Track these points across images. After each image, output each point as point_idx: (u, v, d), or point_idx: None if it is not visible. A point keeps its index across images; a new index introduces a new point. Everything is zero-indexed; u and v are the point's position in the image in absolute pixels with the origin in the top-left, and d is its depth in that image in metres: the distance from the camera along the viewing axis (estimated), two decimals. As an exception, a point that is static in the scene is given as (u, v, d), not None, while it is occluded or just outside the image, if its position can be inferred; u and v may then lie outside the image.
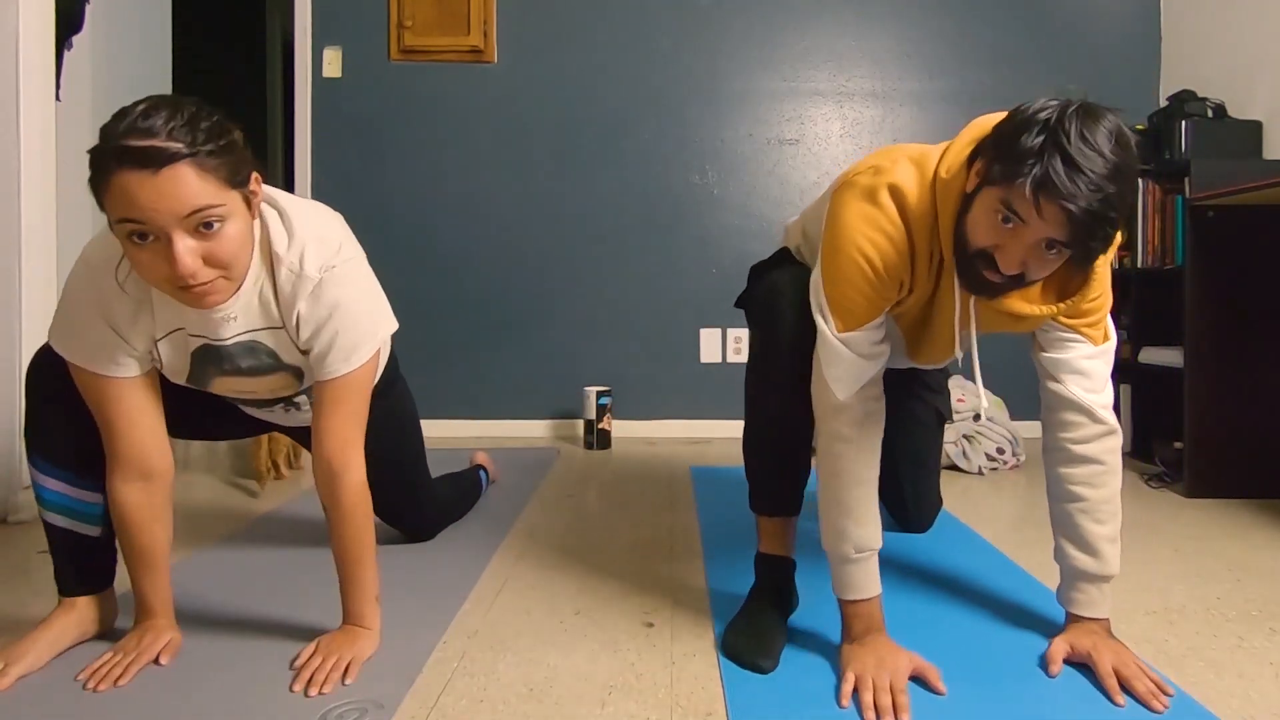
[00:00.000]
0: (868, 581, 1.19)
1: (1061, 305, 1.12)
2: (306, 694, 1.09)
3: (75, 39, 2.73)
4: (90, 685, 1.11)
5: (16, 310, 1.95)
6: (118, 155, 0.93)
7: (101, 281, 1.11)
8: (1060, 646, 1.20)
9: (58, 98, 2.25)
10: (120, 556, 1.27)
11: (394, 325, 1.26)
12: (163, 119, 0.94)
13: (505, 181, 3.24)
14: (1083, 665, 1.17)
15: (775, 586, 1.34)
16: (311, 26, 3.21)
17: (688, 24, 3.22)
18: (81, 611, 1.24)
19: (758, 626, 1.26)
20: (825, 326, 1.17)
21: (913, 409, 1.75)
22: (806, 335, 1.22)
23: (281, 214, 1.15)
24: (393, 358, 1.62)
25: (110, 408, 1.15)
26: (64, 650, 1.21)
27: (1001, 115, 1.06)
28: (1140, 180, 0.99)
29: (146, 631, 1.21)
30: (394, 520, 1.72)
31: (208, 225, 0.98)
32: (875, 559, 1.20)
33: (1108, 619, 1.22)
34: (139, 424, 1.17)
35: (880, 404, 1.21)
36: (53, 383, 1.19)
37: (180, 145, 0.94)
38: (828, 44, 3.23)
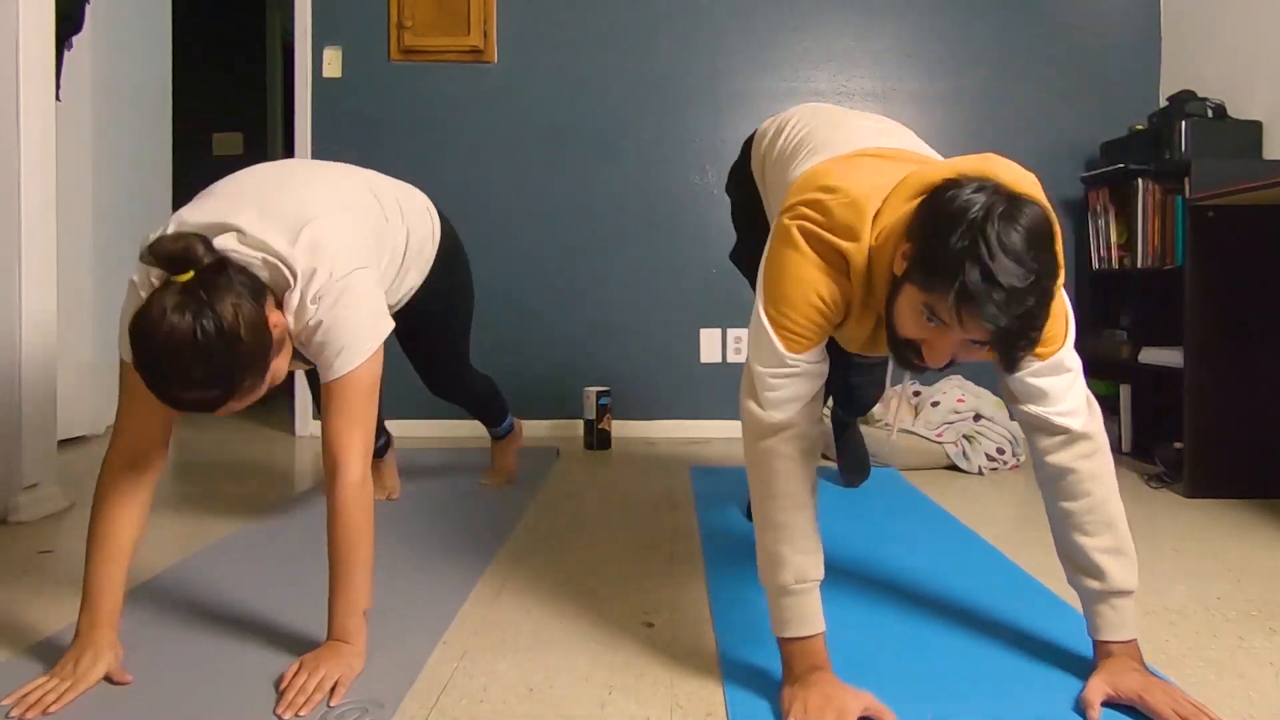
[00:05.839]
0: (809, 616, 1.08)
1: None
2: (286, 717, 1.02)
3: (75, 39, 2.73)
4: (17, 713, 1.02)
5: (16, 310, 1.95)
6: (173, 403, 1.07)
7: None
8: (1099, 689, 1.06)
9: (58, 98, 2.25)
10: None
11: (387, 329, 1.26)
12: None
13: (505, 181, 3.23)
14: (1128, 707, 1.04)
15: None
16: (311, 26, 3.21)
17: (688, 24, 3.22)
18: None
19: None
20: (767, 342, 1.12)
21: None
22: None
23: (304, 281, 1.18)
24: (451, 231, 1.80)
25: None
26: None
27: (936, 169, 1.04)
28: (1059, 242, 1.00)
29: (85, 650, 1.12)
30: (423, 367, 1.98)
31: None
32: (817, 591, 1.09)
33: (1134, 640, 1.11)
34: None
35: (820, 428, 1.17)
36: None
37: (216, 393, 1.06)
38: (828, 44, 3.23)
